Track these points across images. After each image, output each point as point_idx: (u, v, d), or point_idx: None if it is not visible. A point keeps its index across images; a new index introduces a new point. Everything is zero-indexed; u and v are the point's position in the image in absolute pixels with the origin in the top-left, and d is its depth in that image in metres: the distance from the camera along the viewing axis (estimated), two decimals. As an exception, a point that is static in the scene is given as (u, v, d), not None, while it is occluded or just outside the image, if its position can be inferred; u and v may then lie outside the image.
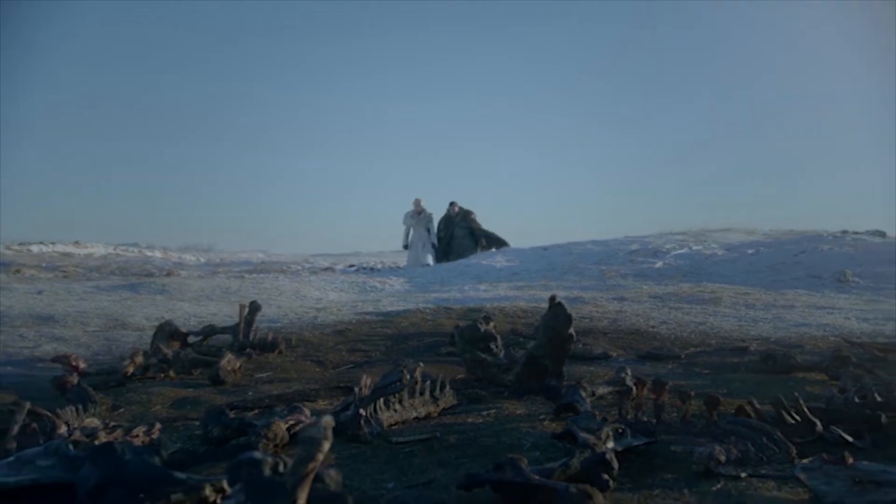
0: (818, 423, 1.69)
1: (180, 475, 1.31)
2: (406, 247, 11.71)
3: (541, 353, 2.34)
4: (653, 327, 4.33)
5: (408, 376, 2.00)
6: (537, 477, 1.34)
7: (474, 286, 7.32)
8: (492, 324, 2.96)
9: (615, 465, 1.44)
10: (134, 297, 5.94)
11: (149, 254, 16.99)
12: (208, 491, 1.08)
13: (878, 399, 1.94)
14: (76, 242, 19.16)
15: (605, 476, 1.39)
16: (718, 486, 1.44)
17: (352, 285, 7.70)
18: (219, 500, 1.11)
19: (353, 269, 9.88)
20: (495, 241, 11.95)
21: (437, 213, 12.04)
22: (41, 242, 18.29)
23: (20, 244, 16.65)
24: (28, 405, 1.78)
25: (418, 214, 11.63)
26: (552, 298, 2.41)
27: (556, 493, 1.29)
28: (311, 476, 1.01)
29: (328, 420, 1.05)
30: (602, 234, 11.31)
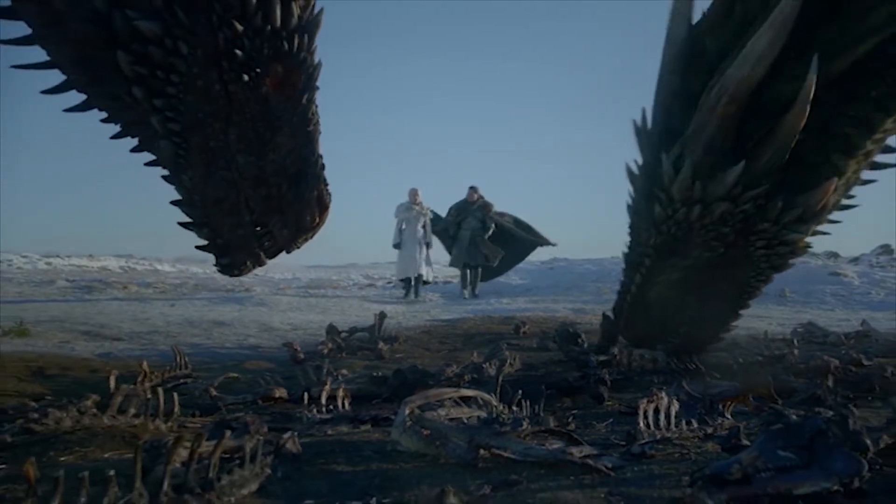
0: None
1: (431, 379, 3.21)
2: (396, 246, 10.32)
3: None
4: (635, 330, 6.25)
5: (504, 350, 3.91)
6: (577, 382, 3.24)
7: (498, 300, 9.23)
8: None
9: (608, 381, 3.33)
10: (245, 308, 7.76)
11: (159, 267, 18.28)
12: (486, 365, 2.96)
13: (740, 360, 3.86)
14: (90, 256, 20.58)
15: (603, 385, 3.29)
16: (653, 389, 3.34)
17: (399, 300, 9.57)
18: (462, 382, 3.00)
19: (391, 285, 11.71)
20: (525, 229, 10.67)
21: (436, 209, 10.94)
22: (58, 256, 19.66)
23: (46, 256, 17.80)
24: (313, 365, 3.68)
25: (413, 206, 10.35)
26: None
27: (584, 389, 3.18)
28: (504, 368, 2.91)
29: (505, 349, 2.96)
30: (597, 252, 13.24)
